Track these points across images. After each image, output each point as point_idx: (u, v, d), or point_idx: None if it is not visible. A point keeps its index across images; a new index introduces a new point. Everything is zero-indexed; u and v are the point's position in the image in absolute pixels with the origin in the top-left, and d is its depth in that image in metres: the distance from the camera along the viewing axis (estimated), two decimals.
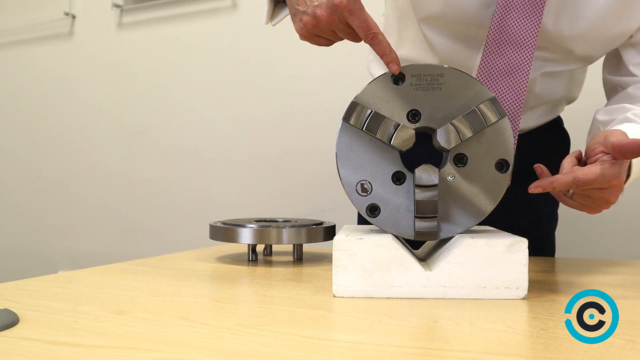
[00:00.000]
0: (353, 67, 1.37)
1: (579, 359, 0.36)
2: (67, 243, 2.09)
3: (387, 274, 0.54)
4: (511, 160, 0.57)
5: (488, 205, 0.57)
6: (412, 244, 0.65)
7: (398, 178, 0.57)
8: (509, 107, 0.71)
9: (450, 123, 0.56)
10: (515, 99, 0.71)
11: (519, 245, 0.54)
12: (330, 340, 0.41)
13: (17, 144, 2.22)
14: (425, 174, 0.56)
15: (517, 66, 0.71)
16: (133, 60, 1.98)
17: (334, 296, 0.55)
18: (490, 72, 0.71)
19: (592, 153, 0.62)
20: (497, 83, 0.71)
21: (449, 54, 0.80)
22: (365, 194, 0.58)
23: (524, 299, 0.54)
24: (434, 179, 0.56)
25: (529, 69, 0.71)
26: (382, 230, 0.58)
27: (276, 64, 1.72)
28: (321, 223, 0.84)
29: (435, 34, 0.79)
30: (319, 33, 0.61)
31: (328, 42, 0.64)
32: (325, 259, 0.83)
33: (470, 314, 0.48)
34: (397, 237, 0.57)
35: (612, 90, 0.82)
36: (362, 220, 0.94)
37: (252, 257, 0.81)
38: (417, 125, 0.57)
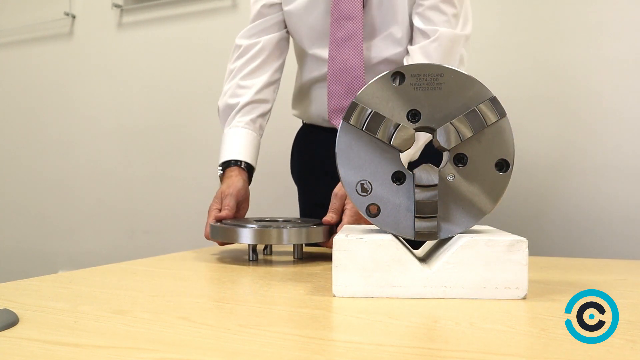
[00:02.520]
0: None
1: (579, 359, 0.36)
2: (67, 243, 2.09)
3: (387, 273, 0.54)
4: (511, 160, 0.57)
5: (488, 205, 0.57)
6: (412, 244, 0.65)
7: (398, 178, 0.57)
8: (353, 63, 0.99)
9: (450, 123, 0.56)
10: (356, 54, 0.99)
11: (519, 245, 0.54)
12: (330, 340, 0.41)
13: (17, 143, 2.22)
14: (425, 174, 0.56)
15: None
16: (133, 60, 1.98)
17: (334, 296, 0.55)
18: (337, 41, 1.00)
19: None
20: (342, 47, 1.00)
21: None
22: (365, 194, 0.57)
23: (524, 299, 0.54)
24: (434, 179, 0.56)
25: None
26: (382, 230, 0.58)
27: None
28: (321, 223, 0.84)
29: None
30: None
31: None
32: (325, 259, 0.83)
33: (470, 314, 0.48)
34: (397, 237, 0.57)
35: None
36: None
37: (253, 257, 0.81)
38: (417, 125, 0.57)
